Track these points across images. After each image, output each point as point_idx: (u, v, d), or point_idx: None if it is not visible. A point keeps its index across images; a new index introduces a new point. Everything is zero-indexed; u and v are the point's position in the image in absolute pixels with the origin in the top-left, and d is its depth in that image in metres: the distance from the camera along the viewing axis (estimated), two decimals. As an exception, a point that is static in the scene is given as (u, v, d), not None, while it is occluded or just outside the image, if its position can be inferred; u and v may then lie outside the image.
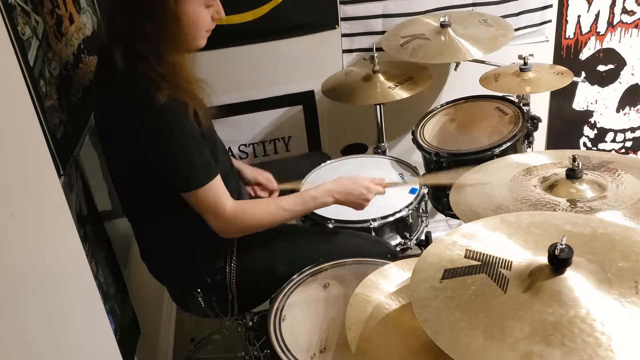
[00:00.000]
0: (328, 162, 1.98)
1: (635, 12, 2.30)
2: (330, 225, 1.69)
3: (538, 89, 1.90)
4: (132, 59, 1.31)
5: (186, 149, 1.36)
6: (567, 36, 2.32)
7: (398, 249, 1.73)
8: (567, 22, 2.29)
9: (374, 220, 1.68)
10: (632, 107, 2.52)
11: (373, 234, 1.68)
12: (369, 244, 1.63)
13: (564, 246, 0.90)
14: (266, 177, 1.81)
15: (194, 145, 1.37)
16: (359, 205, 1.58)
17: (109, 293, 1.49)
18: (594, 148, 2.60)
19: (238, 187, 1.64)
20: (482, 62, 2.05)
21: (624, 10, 2.29)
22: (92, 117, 1.61)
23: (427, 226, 1.86)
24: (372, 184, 1.58)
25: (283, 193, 1.77)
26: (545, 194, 1.26)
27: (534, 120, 1.98)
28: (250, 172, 1.81)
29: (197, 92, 1.42)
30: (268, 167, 1.88)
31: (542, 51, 2.30)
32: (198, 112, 1.38)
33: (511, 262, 0.95)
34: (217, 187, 1.40)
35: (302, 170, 1.94)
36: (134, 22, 1.29)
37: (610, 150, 2.61)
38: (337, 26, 2.15)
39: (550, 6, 2.23)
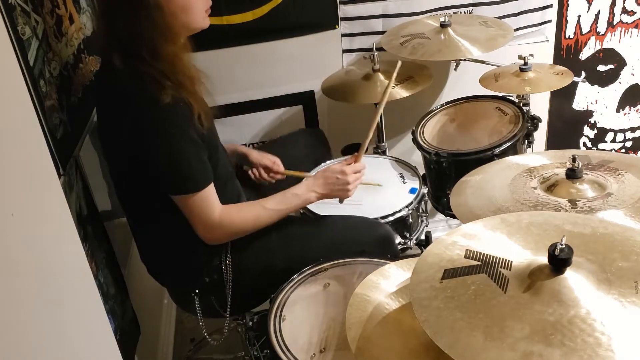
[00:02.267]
0: (328, 161, 1.98)
1: (635, 12, 2.30)
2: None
3: (538, 89, 1.90)
4: (132, 61, 1.31)
5: (185, 152, 1.36)
6: (567, 36, 2.32)
7: (398, 248, 1.73)
8: (567, 22, 2.29)
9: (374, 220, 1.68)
10: (632, 107, 2.52)
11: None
12: (365, 228, 1.62)
13: (564, 246, 0.90)
14: (272, 160, 1.81)
15: (193, 149, 1.37)
16: (343, 192, 1.58)
17: (109, 293, 1.49)
18: (594, 148, 2.60)
19: (237, 190, 1.64)
20: (482, 62, 2.05)
21: (624, 10, 2.29)
22: (92, 117, 1.61)
23: (427, 226, 1.86)
24: (346, 167, 1.58)
25: (281, 185, 1.76)
26: (545, 195, 1.26)
27: (534, 120, 1.97)
28: (257, 155, 1.82)
29: (199, 90, 1.42)
30: (266, 150, 1.88)
31: (542, 51, 2.30)
32: (201, 114, 1.38)
33: (511, 262, 0.95)
34: (209, 193, 1.40)
35: (299, 152, 1.95)
36: (125, 24, 1.30)
37: (610, 150, 2.61)
38: (337, 26, 2.15)
39: (550, 6, 2.23)
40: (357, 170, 1.59)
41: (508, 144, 1.81)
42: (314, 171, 1.90)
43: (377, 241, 1.56)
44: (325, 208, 1.72)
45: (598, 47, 2.36)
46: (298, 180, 1.84)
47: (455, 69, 2.18)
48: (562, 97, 2.44)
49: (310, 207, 1.72)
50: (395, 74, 1.72)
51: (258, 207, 1.50)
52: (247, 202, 1.55)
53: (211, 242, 1.46)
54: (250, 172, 1.83)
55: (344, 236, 1.57)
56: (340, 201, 1.63)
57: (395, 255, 1.57)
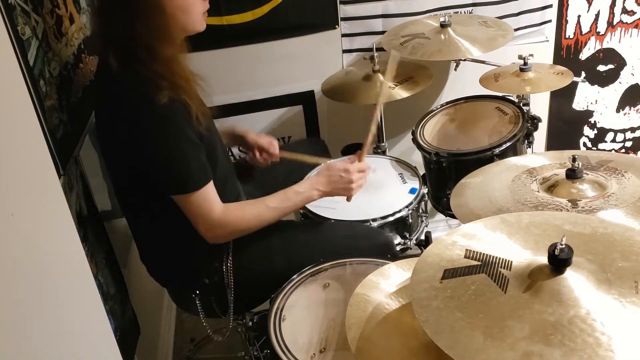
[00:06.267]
0: (328, 162, 1.97)
1: (635, 12, 2.30)
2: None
3: (538, 89, 1.90)
4: (129, 62, 1.31)
5: (182, 151, 1.36)
6: (567, 36, 2.32)
7: (398, 248, 1.73)
8: (567, 22, 2.29)
9: (374, 220, 1.68)
10: (632, 107, 2.52)
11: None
12: (365, 236, 1.62)
13: (564, 246, 0.90)
14: (269, 141, 1.80)
15: (190, 148, 1.37)
16: (347, 190, 1.57)
17: (109, 293, 1.49)
18: (594, 148, 2.60)
19: (237, 189, 1.64)
20: (482, 62, 2.05)
21: (624, 10, 2.29)
22: (92, 117, 1.61)
23: (427, 226, 1.86)
24: (350, 165, 1.58)
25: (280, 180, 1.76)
26: (546, 195, 1.26)
27: (534, 120, 1.98)
28: (254, 135, 1.81)
29: (195, 90, 1.42)
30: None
31: (542, 51, 2.30)
32: (198, 114, 1.38)
33: (511, 262, 0.95)
34: (209, 192, 1.40)
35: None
36: (124, 25, 1.29)
37: (610, 150, 2.61)
38: (337, 26, 2.15)
39: (550, 6, 2.24)
40: (361, 169, 1.59)
41: (508, 144, 1.81)
42: (314, 170, 1.90)
43: (377, 250, 1.55)
44: (325, 209, 1.72)
45: (598, 47, 2.36)
46: (298, 176, 1.84)
47: (455, 69, 2.18)
48: (562, 97, 2.44)
49: (312, 208, 1.73)
50: (389, 65, 1.74)
51: (260, 205, 1.50)
52: (248, 200, 1.55)
53: (213, 240, 1.46)
54: (246, 157, 1.81)
55: (343, 243, 1.56)
56: (348, 199, 1.62)
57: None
